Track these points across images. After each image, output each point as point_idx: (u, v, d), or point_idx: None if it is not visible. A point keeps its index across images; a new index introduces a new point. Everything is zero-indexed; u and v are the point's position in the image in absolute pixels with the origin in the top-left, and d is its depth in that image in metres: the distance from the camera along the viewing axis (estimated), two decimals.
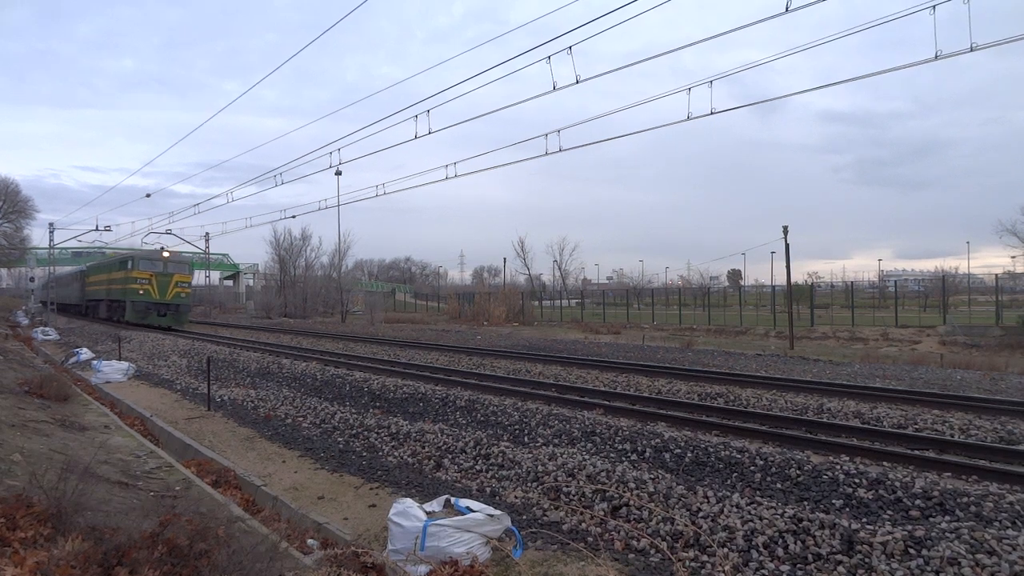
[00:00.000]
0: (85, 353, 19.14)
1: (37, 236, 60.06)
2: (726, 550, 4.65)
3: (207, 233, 52.56)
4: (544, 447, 7.28)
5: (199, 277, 59.19)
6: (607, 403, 9.71)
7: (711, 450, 6.66)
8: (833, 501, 5.37)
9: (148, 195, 34.54)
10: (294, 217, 62.79)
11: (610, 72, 11.83)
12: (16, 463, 5.42)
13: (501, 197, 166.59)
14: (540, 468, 6.51)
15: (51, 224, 37.61)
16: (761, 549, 4.62)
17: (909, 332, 31.70)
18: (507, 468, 6.77)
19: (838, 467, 5.93)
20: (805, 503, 5.39)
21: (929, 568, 4.16)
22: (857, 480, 5.61)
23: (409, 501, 4.90)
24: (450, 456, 7.39)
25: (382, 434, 8.49)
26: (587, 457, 6.69)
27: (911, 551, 4.35)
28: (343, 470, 7.37)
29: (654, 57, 11.31)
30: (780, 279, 43.54)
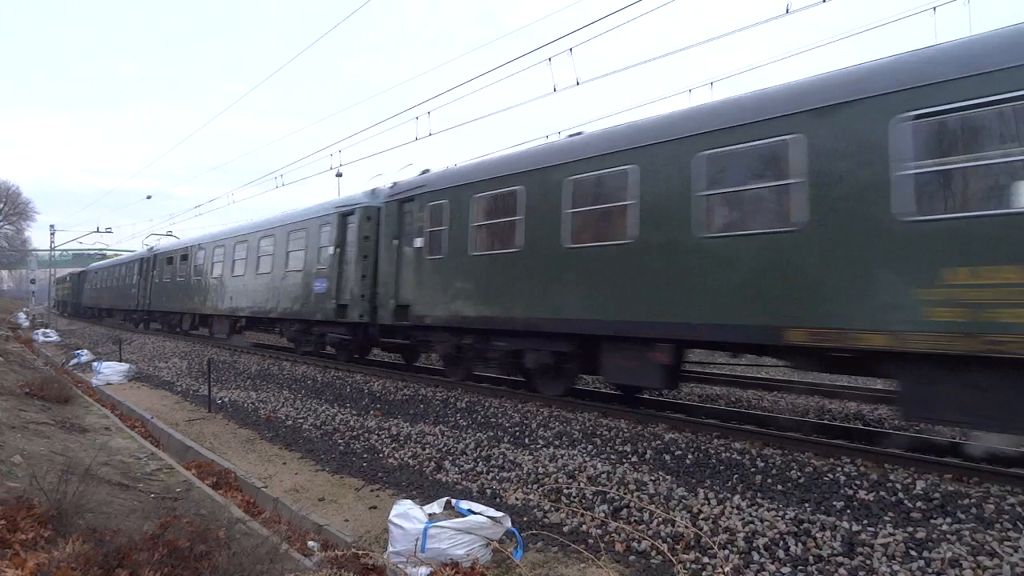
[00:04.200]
0: (86, 355, 19.17)
1: (38, 238, 60.16)
2: (727, 552, 4.64)
3: None
4: (545, 449, 7.28)
5: None
6: (608, 405, 9.70)
7: (712, 452, 6.65)
8: (834, 503, 5.36)
9: (149, 197, 34.55)
10: None
11: (611, 74, 11.88)
12: (17, 465, 5.42)
13: None
14: (541, 470, 6.51)
15: (52, 226, 37.72)
16: (762, 551, 4.62)
17: None
18: (508, 470, 6.77)
19: (839, 469, 5.93)
20: (806, 505, 5.38)
21: (930, 570, 4.16)
22: (858, 482, 5.61)
23: (410, 503, 4.91)
24: (451, 458, 7.38)
25: (383, 436, 8.48)
26: (588, 459, 6.69)
27: (912, 553, 4.35)
28: (344, 472, 7.37)
29: (655, 59, 11.33)
30: None
